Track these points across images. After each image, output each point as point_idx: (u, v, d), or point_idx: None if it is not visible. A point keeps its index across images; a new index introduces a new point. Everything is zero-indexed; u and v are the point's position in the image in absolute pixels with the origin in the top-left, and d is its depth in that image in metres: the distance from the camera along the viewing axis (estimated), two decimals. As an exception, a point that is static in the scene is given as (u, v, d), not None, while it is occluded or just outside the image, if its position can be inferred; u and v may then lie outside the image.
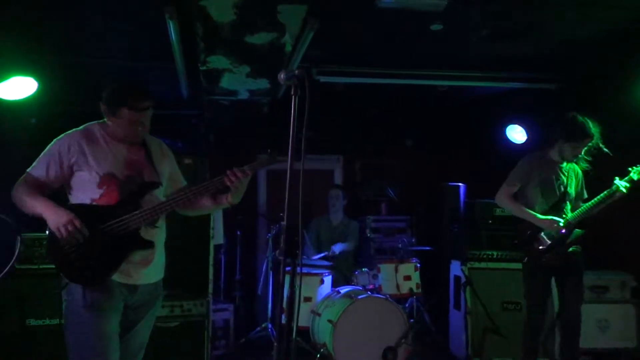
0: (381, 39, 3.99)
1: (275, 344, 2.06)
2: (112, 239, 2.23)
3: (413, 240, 5.22)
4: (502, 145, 5.49)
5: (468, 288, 4.40)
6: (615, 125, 3.53)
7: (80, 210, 2.22)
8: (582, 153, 3.53)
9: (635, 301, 4.45)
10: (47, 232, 2.21)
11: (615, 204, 3.42)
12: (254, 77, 4.41)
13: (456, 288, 4.71)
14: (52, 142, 2.33)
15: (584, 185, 3.70)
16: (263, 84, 4.61)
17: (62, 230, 2.14)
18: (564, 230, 3.45)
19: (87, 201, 2.27)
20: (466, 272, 4.45)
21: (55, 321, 3.69)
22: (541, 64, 4.46)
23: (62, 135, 2.35)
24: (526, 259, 3.60)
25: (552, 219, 3.47)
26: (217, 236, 4.46)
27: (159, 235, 2.40)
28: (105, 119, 2.38)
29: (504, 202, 3.67)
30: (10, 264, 3.65)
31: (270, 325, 4.92)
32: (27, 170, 2.31)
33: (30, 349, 3.62)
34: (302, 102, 1.96)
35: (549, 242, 3.50)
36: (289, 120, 1.94)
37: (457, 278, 4.69)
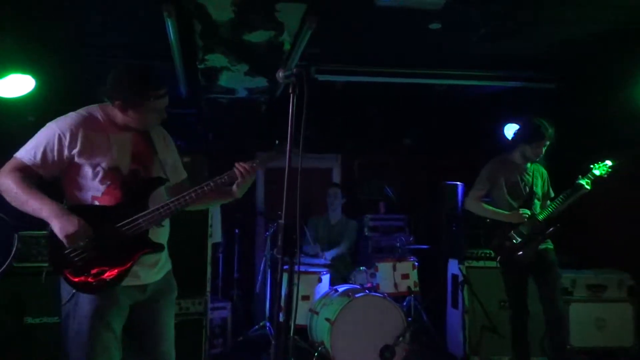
0: (380, 38, 3.99)
1: (273, 342, 2.06)
2: (120, 241, 2.07)
3: (411, 239, 5.22)
4: (500, 144, 5.49)
5: (466, 287, 4.41)
6: (613, 124, 3.55)
7: (86, 213, 2.02)
8: (543, 152, 3.67)
9: (632, 300, 4.46)
10: (48, 234, 2.00)
11: (581, 199, 3.53)
12: (252, 75, 4.41)
13: (454, 287, 4.72)
14: (48, 125, 2.07)
15: (549, 185, 3.84)
16: (261, 82, 4.61)
17: (71, 234, 1.95)
18: (536, 224, 3.57)
19: (88, 198, 2.08)
20: (464, 271, 4.46)
21: (53, 319, 3.69)
22: (539, 63, 4.47)
23: (60, 118, 2.09)
24: (499, 257, 3.71)
25: (517, 212, 3.62)
26: (215, 235, 4.45)
27: (164, 232, 2.30)
28: (110, 106, 2.17)
29: (472, 206, 3.81)
30: (8, 261, 3.66)
31: (268, 324, 4.93)
32: (15, 154, 2.04)
33: (28, 347, 3.62)
34: (301, 101, 1.96)
35: (520, 239, 3.62)
36: (287, 119, 1.94)
37: (454, 277, 4.70)
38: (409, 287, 4.52)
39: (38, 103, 4.28)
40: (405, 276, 4.54)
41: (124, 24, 3.64)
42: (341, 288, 4.40)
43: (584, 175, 3.55)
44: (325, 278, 4.62)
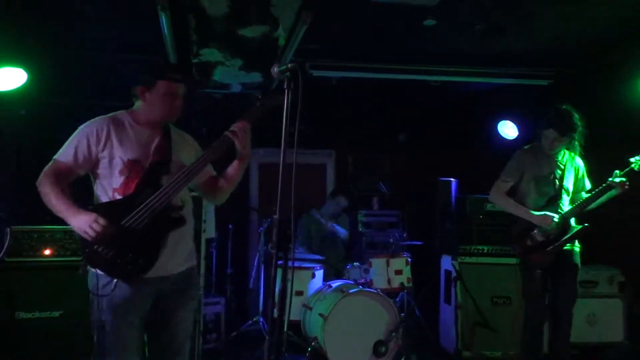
0: (374, 34, 3.99)
1: (266, 337, 2.06)
2: (143, 227, 2.18)
3: (404, 235, 5.23)
4: (494, 140, 5.52)
5: (458, 282, 4.43)
6: (607, 120, 3.55)
7: (103, 208, 2.20)
8: (576, 141, 3.42)
9: (622, 296, 4.51)
10: (79, 239, 2.18)
11: (617, 197, 3.32)
12: (246, 70, 4.39)
13: (447, 282, 4.74)
14: (79, 128, 2.31)
15: (585, 176, 3.57)
16: (256, 77, 4.59)
17: (90, 232, 2.09)
18: (563, 224, 3.34)
19: (109, 190, 2.25)
20: (457, 267, 4.48)
21: (46, 314, 3.67)
22: (533, 59, 4.49)
23: (89, 121, 2.33)
24: (520, 256, 3.51)
25: (545, 215, 3.37)
26: (209, 230, 4.45)
27: (187, 227, 2.38)
28: (135, 105, 2.38)
29: (497, 200, 3.60)
30: (0, 256, 3.64)
31: (261, 319, 4.93)
32: (54, 157, 2.27)
33: (20, 342, 3.60)
34: (295, 96, 1.95)
35: (542, 239, 3.39)
36: (282, 114, 1.94)
37: (447, 272, 4.73)
38: (402, 283, 4.53)
39: (30, 96, 4.25)
40: (399, 272, 4.56)
41: (117, 17, 3.61)
42: (335, 283, 4.41)
43: (621, 171, 3.27)
44: (319, 273, 4.63)
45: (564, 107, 3.41)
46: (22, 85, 3.99)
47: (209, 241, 4.70)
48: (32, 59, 3.93)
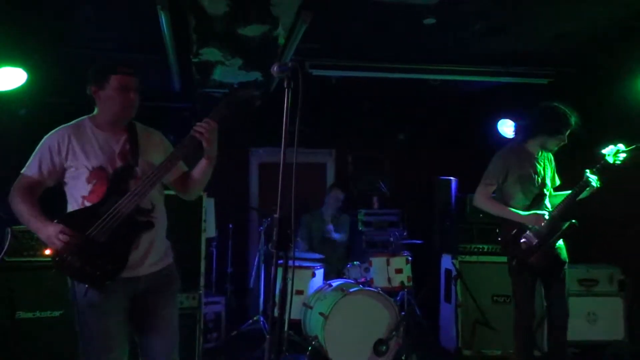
0: (374, 33, 3.98)
1: (267, 336, 2.06)
2: (111, 233, 2.20)
3: (404, 234, 5.23)
4: (494, 139, 5.52)
5: (459, 281, 4.43)
6: (606, 120, 3.55)
7: (70, 218, 2.24)
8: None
9: (623, 294, 4.51)
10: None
11: (595, 193, 3.30)
12: (246, 69, 4.39)
13: (447, 281, 4.74)
14: (42, 140, 2.32)
15: (555, 172, 3.57)
16: (256, 76, 4.59)
17: (56, 242, 2.15)
18: (553, 222, 3.30)
19: (78, 198, 2.27)
20: (457, 266, 4.48)
21: (46, 314, 3.68)
22: (533, 58, 4.48)
23: (52, 132, 2.34)
24: (514, 260, 3.37)
25: (536, 214, 3.30)
26: (209, 229, 4.45)
27: (157, 221, 2.37)
28: (94, 110, 2.38)
29: (484, 204, 3.46)
30: (0, 256, 3.64)
31: (262, 318, 4.93)
32: (21, 171, 2.32)
33: (21, 342, 3.60)
34: (295, 96, 1.95)
35: (537, 239, 3.30)
36: (282, 114, 1.94)
37: (447, 271, 4.73)
38: (402, 282, 4.53)
39: (29, 96, 4.25)
40: (399, 271, 4.56)
41: (117, 17, 3.61)
42: (335, 283, 4.41)
43: (592, 168, 3.26)
44: (319, 272, 4.63)
45: (560, 108, 3.36)
46: (22, 85, 3.99)
47: (209, 240, 4.70)
48: (31, 59, 3.92)
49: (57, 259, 2.19)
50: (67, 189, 2.33)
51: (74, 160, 2.27)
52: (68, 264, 2.18)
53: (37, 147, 2.32)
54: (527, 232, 3.35)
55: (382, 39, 4.12)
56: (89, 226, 2.18)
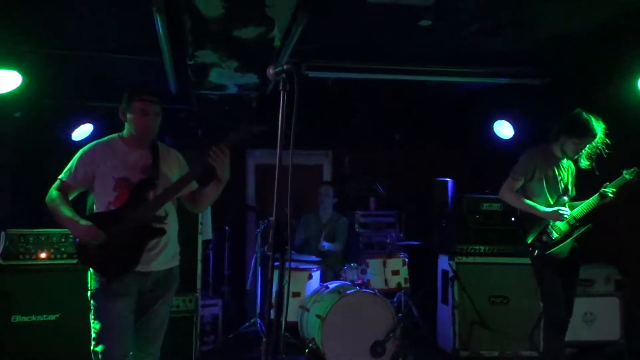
0: (370, 35, 3.98)
1: (263, 339, 2.06)
2: (127, 235, 2.54)
3: (401, 235, 5.24)
4: (490, 140, 5.53)
5: (456, 282, 4.44)
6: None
7: (96, 218, 2.58)
8: (584, 151, 3.53)
9: (619, 294, 4.52)
10: (76, 241, 2.61)
11: (609, 204, 3.47)
12: (242, 72, 4.38)
13: (444, 282, 4.75)
14: (79, 152, 2.71)
15: (574, 184, 3.71)
16: (252, 78, 4.58)
17: (83, 237, 2.51)
18: (573, 223, 3.49)
19: (105, 202, 2.62)
20: (454, 267, 4.49)
21: (42, 317, 3.66)
22: (529, 59, 4.49)
23: (87, 146, 2.73)
24: (536, 252, 3.53)
25: (558, 211, 3.47)
26: (206, 232, 4.44)
27: (169, 227, 2.70)
28: (124, 130, 2.74)
29: (509, 197, 3.63)
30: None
31: (259, 320, 4.93)
32: (59, 177, 2.69)
33: (16, 345, 3.59)
34: (291, 97, 1.95)
35: (557, 235, 3.50)
36: (278, 115, 1.94)
37: (444, 272, 4.73)
38: (399, 283, 4.54)
39: (25, 99, 4.23)
40: (396, 272, 4.57)
41: (112, 19, 3.60)
42: (332, 284, 4.41)
43: (611, 183, 3.45)
44: (316, 274, 4.63)
45: (584, 113, 3.49)
46: (17, 88, 3.97)
47: (205, 243, 4.69)
48: (26, 62, 3.91)
49: (81, 250, 2.57)
50: (95, 193, 2.67)
51: (103, 171, 2.63)
52: (90, 255, 2.54)
53: (74, 158, 2.70)
54: (549, 226, 3.53)
55: (378, 40, 4.12)
56: (111, 226, 2.53)
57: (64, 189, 2.68)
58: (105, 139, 2.77)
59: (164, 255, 2.69)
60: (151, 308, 2.69)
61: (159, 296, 2.71)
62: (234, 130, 2.63)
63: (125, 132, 2.75)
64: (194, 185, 2.83)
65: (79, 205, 2.77)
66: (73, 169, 2.68)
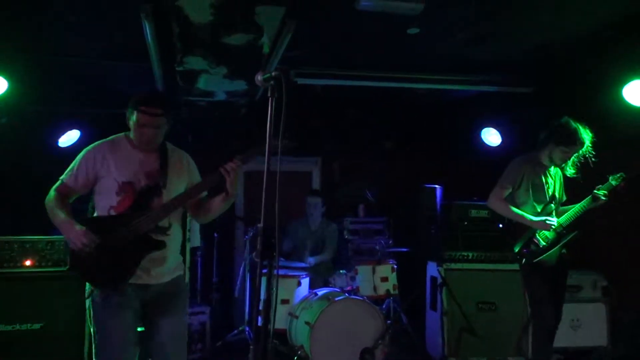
0: (359, 42, 4.00)
1: (252, 346, 2.04)
2: (125, 244, 2.41)
3: (390, 242, 5.24)
4: (478, 147, 5.58)
5: (444, 289, 4.44)
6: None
7: (93, 223, 2.45)
8: (571, 159, 3.57)
9: (606, 300, 4.56)
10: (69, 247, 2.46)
11: (598, 209, 3.52)
12: (231, 78, 4.38)
13: (432, 289, 4.75)
14: (82, 152, 2.57)
15: (564, 189, 3.75)
16: (240, 85, 4.58)
17: (78, 243, 2.36)
18: (560, 230, 3.53)
19: (107, 207, 2.49)
20: (442, 273, 4.50)
21: (26, 326, 3.61)
22: (516, 67, 4.54)
23: (91, 145, 2.59)
24: (523, 261, 3.58)
25: (546, 221, 3.51)
26: (194, 239, 4.42)
27: (171, 238, 2.57)
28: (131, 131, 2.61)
29: (497, 205, 3.66)
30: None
31: (247, 328, 4.90)
32: (60, 177, 2.56)
33: (0, 355, 3.53)
34: (280, 104, 1.95)
35: (544, 243, 3.54)
36: (267, 122, 1.93)
37: (433, 279, 4.74)
38: (388, 290, 4.54)
39: (11, 105, 4.19)
40: (385, 279, 4.56)
41: (99, 24, 3.58)
42: (321, 291, 4.39)
43: (601, 186, 3.48)
44: (305, 281, 4.61)
45: (572, 122, 3.52)
46: (3, 94, 3.93)
47: (194, 250, 4.66)
48: (12, 67, 3.88)
49: (74, 256, 2.43)
50: (97, 197, 2.55)
51: (107, 173, 2.49)
52: (81, 262, 2.40)
53: (77, 158, 2.56)
54: (536, 235, 3.56)
55: (367, 48, 4.15)
56: (109, 233, 2.40)
57: (63, 190, 2.54)
58: (110, 138, 2.62)
59: (164, 268, 2.56)
60: (163, 318, 2.55)
61: (169, 308, 2.57)
62: (254, 146, 2.48)
63: (131, 133, 2.61)
64: (203, 194, 2.72)
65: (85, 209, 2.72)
66: (75, 168, 2.54)
